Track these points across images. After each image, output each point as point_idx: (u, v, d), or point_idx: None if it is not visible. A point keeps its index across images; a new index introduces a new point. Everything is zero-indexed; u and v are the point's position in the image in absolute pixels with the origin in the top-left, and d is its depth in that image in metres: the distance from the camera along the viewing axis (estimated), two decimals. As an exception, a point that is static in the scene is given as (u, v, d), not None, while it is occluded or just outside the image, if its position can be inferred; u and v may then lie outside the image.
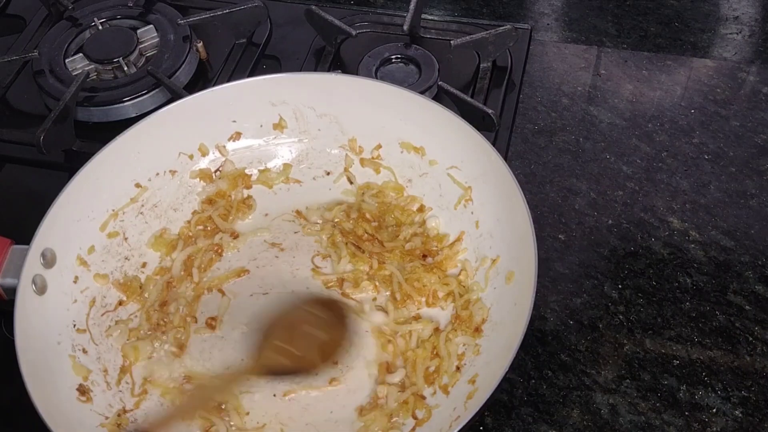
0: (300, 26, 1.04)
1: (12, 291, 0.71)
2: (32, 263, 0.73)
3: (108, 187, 0.81)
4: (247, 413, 0.72)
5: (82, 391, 0.71)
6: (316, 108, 0.87)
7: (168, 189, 0.86)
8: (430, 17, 1.05)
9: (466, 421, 0.64)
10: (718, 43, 1.04)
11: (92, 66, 0.99)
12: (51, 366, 0.71)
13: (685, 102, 0.96)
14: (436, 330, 0.76)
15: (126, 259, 0.82)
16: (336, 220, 0.84)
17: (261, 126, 0.88)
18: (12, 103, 1.01)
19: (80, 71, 0.98)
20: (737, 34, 1.05)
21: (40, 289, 0.73)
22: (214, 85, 0.95)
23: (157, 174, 0.85)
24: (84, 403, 0.71)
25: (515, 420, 0.73)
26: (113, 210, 0.82)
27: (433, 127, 0.83)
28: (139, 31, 1.02)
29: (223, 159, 0.88)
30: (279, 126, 0.88)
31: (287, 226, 0.86)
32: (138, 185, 0.84)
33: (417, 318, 0.77)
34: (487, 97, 0.96)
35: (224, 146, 0.87)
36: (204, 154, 0.87)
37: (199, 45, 1.02)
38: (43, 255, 0.74)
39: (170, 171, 0.86)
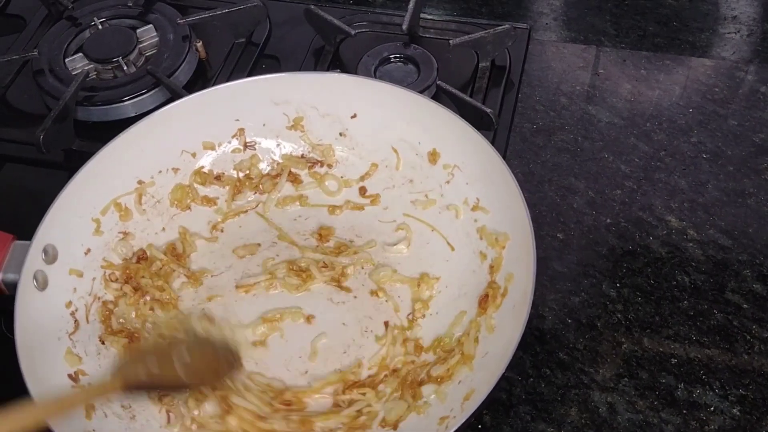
0: (299, 26, 1.05)
1: (13, 286, 0.71)
2: (34, 259, 0.73)
3: (110, 184, 0.82)
4: None
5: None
6: (318, 108, 0.88)
7: (170, 186, 0.86)
8: (428, 17, 1.06)
9: (462, 421, 0.64)
10: (716, 43, 1.04)
11: (92, 65, 1.00)
12: (50, 362, 0.71)
13: (683, 101, 0.96)
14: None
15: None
16: None
17: (264, 125, 0.88)
18: (12, 102, 1.01)
19: (80, 71, 0.99)
20: (735, 33, 1.05)
21: (42, 284, 0.73)
22: (213, 84, 0.95)
23: (160, 172, 0.85)
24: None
25: (513, 418, 0.74)
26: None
27: (432, 126, 0.84)
28: (138, 31, 1.02)
29: (223, 157, 0.88)
30: (294, 126, 0.88)
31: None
32: (140, 182, 0.84)
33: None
34: (485, 97, 0.96)
35: (253, 141, 0.88)
36: (208, 150, 0.88)
37: (199, 44, 1.02)
38: (44, 251, 0.74)
39: (173, 169, 0.86)
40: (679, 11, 1.08)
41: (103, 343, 0.76)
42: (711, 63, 1.01)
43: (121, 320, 0.78)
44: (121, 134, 0.82)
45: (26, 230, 0.74)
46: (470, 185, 0.82)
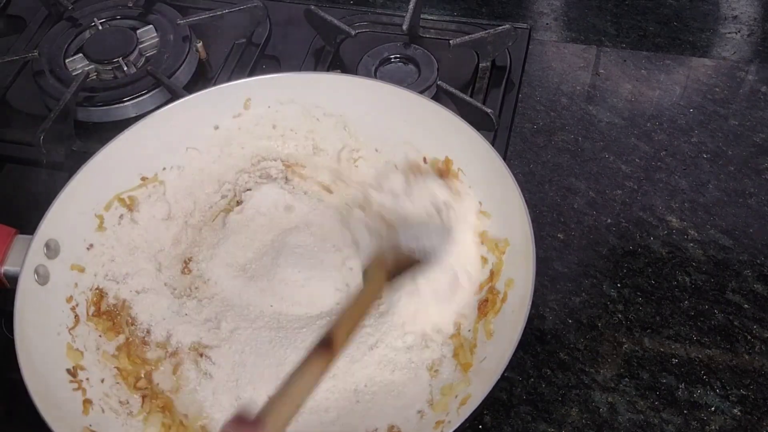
0: (299, 26, 1.05)
1: (14, 280, 0.71)
2: (35, 253, 0.73)
3: (114, 180, 0.82)
4: None
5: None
6: (322, 108, 0.87)
7: (175, 183, 0.86)
8: (429, 17, 1.05)
9: (457, 426, 0.63)
10: (717, 43, 1.04)
11: (92, 66, 1.00)
12: (50, 356, 0.71)
13: (684, 101, 0.96)
14: None
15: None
16: None
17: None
18: (12, 103, 1.01)
19: (80, 71, 0.99)
20: (736, 33, 1.05)
21: (43, 279, 0.73)
22: (213, 85, 0.95)
23: (164, 168, 0.85)
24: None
25: (514, 419, 0.74)
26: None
27: (433, 127, 0.83)
28: (138, 31, 1.02)
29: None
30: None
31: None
32: (144, 178, 0.84)
33: None
34: (486, 97, 0.96)
35: None
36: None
37: (199, 45, 1.02)
38: (46, 245, 0.74)
39: (177, 166, 0.86)
40: (679, 11, 1.08)
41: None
42: (711, 63, 1.01)
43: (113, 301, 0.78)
44: (126, 130, 0.81)
45: (27, 231, 0.74)
46: (472, 188, 0.82)
